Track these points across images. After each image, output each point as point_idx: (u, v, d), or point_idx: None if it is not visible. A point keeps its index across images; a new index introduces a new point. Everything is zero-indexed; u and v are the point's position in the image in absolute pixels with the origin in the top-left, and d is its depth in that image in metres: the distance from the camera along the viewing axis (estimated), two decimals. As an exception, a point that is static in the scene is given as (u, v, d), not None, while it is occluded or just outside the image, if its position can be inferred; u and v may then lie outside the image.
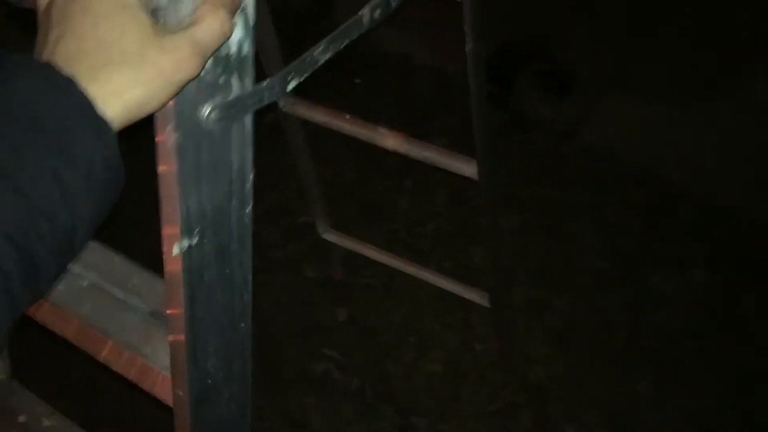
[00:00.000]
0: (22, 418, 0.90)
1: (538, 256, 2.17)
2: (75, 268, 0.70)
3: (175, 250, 0.56)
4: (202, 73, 0.50)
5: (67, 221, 0.40)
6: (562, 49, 2.51)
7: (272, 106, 2.29)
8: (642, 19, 2.65)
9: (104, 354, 0.65)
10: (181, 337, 0.61)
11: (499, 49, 2.49)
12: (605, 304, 2.05)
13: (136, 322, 0.67)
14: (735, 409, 1.83)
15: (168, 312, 0.60)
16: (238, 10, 0.51)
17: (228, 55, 0.52)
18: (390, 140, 1.31)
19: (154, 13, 0.46)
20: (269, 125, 2.37)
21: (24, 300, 0.42)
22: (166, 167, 0.52)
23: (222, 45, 0.49)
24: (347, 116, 1.35)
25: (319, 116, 1.37)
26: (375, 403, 1.85)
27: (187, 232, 0.56)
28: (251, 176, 0.60)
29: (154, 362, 0.65)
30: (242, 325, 0.69)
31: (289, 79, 0.59)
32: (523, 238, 2.21)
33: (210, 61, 0.50)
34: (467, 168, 1.29)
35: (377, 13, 0.70)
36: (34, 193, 0.39)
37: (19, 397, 0.91)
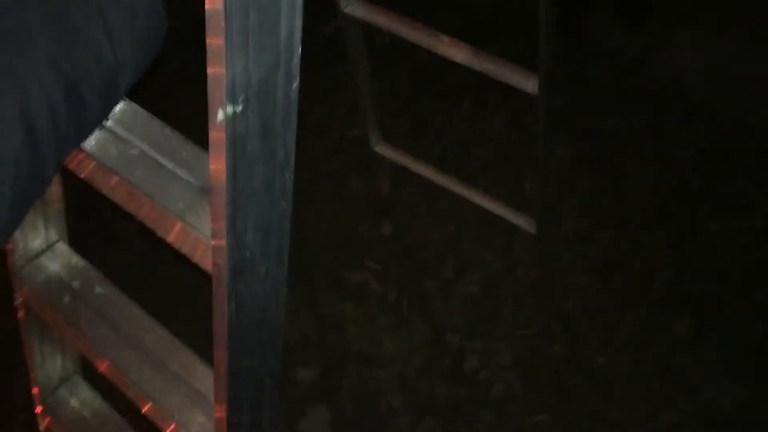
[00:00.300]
0: (75, 284, 0.95)
1: (590, 186, 2.14)
2: (126, 134, 0.72)
3: (220, 116, 0.56)
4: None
5: (112, 60, 0.41)
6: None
7: (333, 15, 2.27)
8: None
9: (144, 213, 0.67)
10: (222, 208, 0.62)
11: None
12: (650, 241, 2.01)
13: (182, 190, 0.69)
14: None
15: (210, 177, 0.61)
16: None
17: None
18: (451, 49, 1.28)
19: None
20: (327, 37, 2.35)
21: (69, 138, 0.43)
22: (215, 31, 0.52)
23: None
24: (410, 21, 1.33)
25: (381, 19, 1.35)
26: (409, 316, 1.88)
27: (231, 98, 0.56)
28: (299, 51, 0.60)
29: (197, 229, 0.67)
30: (282, 203, 0.70)
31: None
32: (578, 167, 2.17)
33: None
34: (528, 83, 1.26)
35: None
36: (82, 31, 0.40)
37: (73, 262, 0.95)
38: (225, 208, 0.63)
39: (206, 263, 0.68)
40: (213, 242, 0.65)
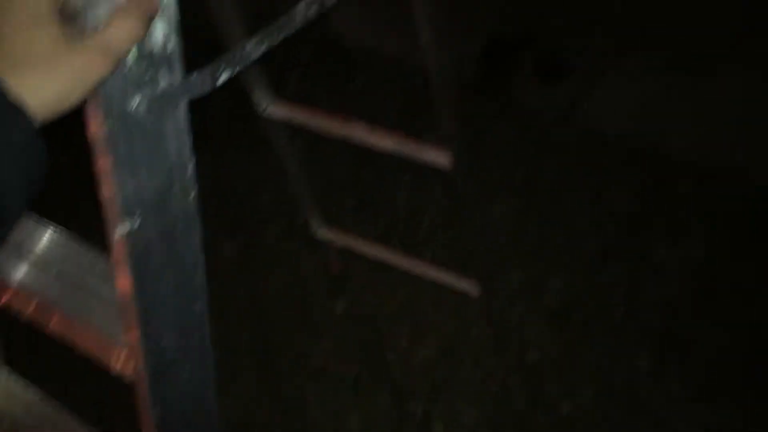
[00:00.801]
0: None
1: (535, 237, 2.20)
2: (44, 256, 0.76)
3: (118, 232, 0.61)
4: (128, 69, 0.55)
5: None
6: (553, 37, 2.54)
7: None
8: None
9: (62, 328, 0.70)
10: (134, 317, 0.66)
11: (490, 42, 2.52)
12: (601, 280, 2.07)
13: (98, 303, 0.72)
14: (735, 379, 1.85)
15: (118, 293, 0.65)
16: (158, 12, 0.55)
17: (153, 52, 0.56)
18: (368, 136, 1.35)
19: (72, 18, 0.51)
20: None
21: None
22: (101, 157, 0.57)
23: (134, 46, 0.54)
24: (328, 115, 1.39)
25: (301, 116, 1.41)
26: (371, 390, 1.90)
27: (127, 215, 0.60)
28: (192, 164, 0.65)
29: (116, 339, 0.70)
30: (197, 304, 0.73)
31: (219, 72, 0.63)
32: (520, 221, 2.24)
33: (135, 58, 0.55)
34: (442, 160, 1.32)
35: (312, 9, 0.74)
36: None
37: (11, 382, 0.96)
38: (137, 317, 0.66)
39: (127, 371, 0.71)
40: (129, 350, 0.68)
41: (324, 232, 1.91)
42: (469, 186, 1.46)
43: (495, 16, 2.65)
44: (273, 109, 1.43)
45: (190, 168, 0.64)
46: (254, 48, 0.67)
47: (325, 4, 0.76)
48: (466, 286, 1.79)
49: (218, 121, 2.50)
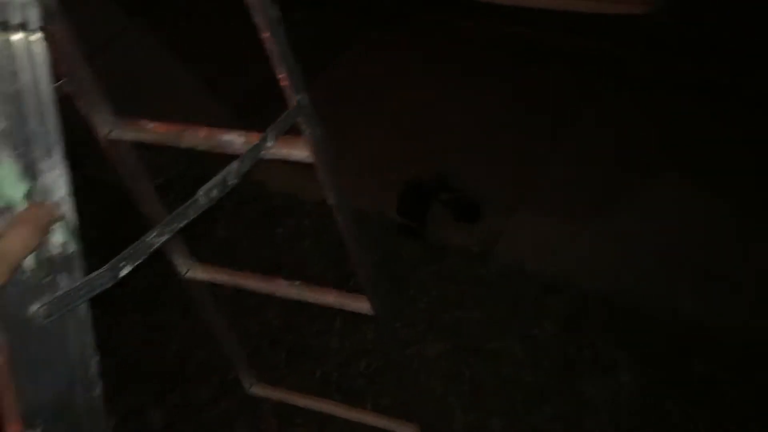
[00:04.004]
0: None
1: (472, 376, 2.20)
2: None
3: (18, 442, 0.59)
4: (25, 276, 0.56)
5: None
6: (467, 179, 2.69)
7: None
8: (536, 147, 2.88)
9: None
10: None
11: (407, 187, 2.64)
12: (538, 419, 2.07)
13: None
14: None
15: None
16: (58, 220, 0.58)
17: (51, 257, 0.58)
18: (290, 290, 1.37)
19: None
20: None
21: None
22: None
23: (29, 255, 0.55)
24: (248, 273, 1.41)
25: (222, 277, 1.42)
26: None
27: (28, 423, 0.59)
28: (95, 360, 0.64)
29: None
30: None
31: (121, 266, 0.65)
32: (456, 360, 2.25)
33: (33, 265, 0.57)
34: (363, 306, 1.34)
35: (213, 193, 0.78)
36: None
37: None
38: None
39: None
40: None
41: (257, 389, 1.86)
42: (396, 330, 1.47)
43: (408, 162, 2.80)
44: (193, 272, 1.44)
45: (93, 365, 0.64)
46: (156, 238, 0.69)
47: (227, 184, 0.80)
48: (408, 430, 1.75)
49: (147, 281, 2.47)
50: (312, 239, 2.62)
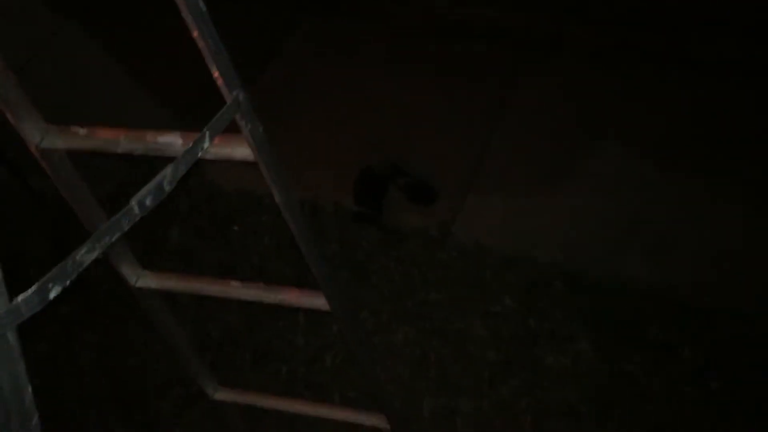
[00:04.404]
0: None
1: (436, 362, 2.20)
2: None
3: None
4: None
5: None
6: (420, 163, 2.67)
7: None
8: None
9: None
10: None
11: (361, 175, 2.61)
12: (506, 394, 2.07)
13: None
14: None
15: None
16: None
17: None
18: (242, 290, 1.33)
19: None
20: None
21: None
22: None
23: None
24: (199, 277, 1.37)
25: (173, 284, 1.38)
26: None
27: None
28: (29, 389, 0.60)
29: None
30: None
31: (50, 287, 0.61)
32: (419, 348, 2.24)
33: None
34: (319, 302, 1.31)
35: (148, 200, 0.74)
36: None
37: None
38: None
39: None
40: None
41: (222, 394, 1.82)
42: (360, 322, 1.45)
43: (363, 147, 2.77)
44: (143, 281, 1.39)
45: (28, 396, 0.60)
46: (86, 255, 0.65)
47: (163, 191, 0.76)
48: (377, 421, 1.74)
49: (99, 298, 2.40)
50: (270, 236, 2.58)
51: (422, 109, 2.92)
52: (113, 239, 0.68)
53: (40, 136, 0.97)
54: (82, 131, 0.94)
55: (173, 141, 0.89)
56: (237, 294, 1.33)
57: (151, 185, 0.74)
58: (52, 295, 0.61)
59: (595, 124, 2.76)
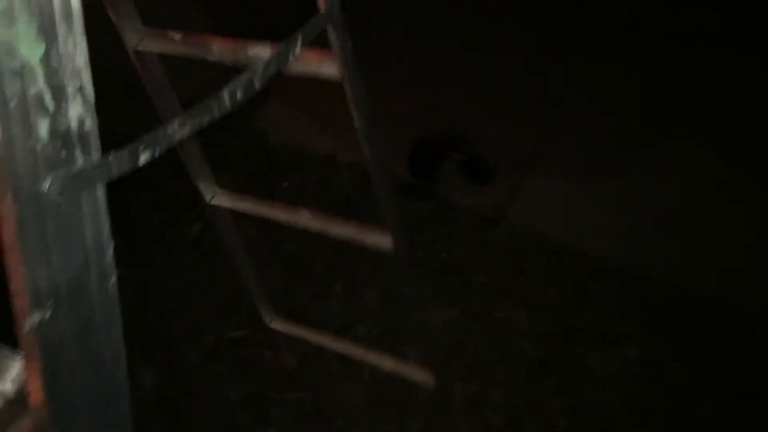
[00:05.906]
0: None
1: (476, 346, 2.15)
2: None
3: (27, 324, 0.56)
4: (39, 147, 0.52)
5: None
6: (480, 139, 2.63)
7: (196, 216, 2.29)
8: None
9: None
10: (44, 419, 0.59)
11: (417, 145, 2.59)
12: (539, 392, 2.02)
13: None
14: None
15: (28, 394, 0.59)
16: (76, 86, 0.53)
17: (68, 131, 0.54)
18: (311, 221, 1.34)
19: None
20: (192, 239, 2.37)
21: None
22: (9, 240, 0.53)
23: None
24: (271, 202, 1.39)
25: (246, 205, 1.40)
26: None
27: (37, 305, 0.56)
28: (110, 247, 0.61)
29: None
30: (119, 406, 0.67)
31: (140, 151, 0.61)
32: (461, 327, 2.20)
33: (47, 136, 0.53)
34: (384, 241, 1.31)
35: (239, 93, 0.74)
36: None
37: None
38: (51, 424, 0.60)
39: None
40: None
41: (278, 324, 1.87)
42: (411, 270, 1.44)
43: (419, 120, 2.73)
44: (217, 199, 1.42)
45: (109, 252, 0.60)
46: (177, 129, 0.65)
47: (254, 86, 0.76)
48: (422, 377, 1.75)
49: (139, 234, 2.41)
50: (316, 196, 2.57)
51: (487, 84, 2.87)
52: (203, 121, 0.68)
53: (138, 39, 0.99)
54: (177, 36, 0.96)
55: (262, 51, 0.89)
56: (305, 223, 1.34)
57: (242, 78, 0.73)
58: (142, 159, 0.61)
59: (665, 114, 2.66)
